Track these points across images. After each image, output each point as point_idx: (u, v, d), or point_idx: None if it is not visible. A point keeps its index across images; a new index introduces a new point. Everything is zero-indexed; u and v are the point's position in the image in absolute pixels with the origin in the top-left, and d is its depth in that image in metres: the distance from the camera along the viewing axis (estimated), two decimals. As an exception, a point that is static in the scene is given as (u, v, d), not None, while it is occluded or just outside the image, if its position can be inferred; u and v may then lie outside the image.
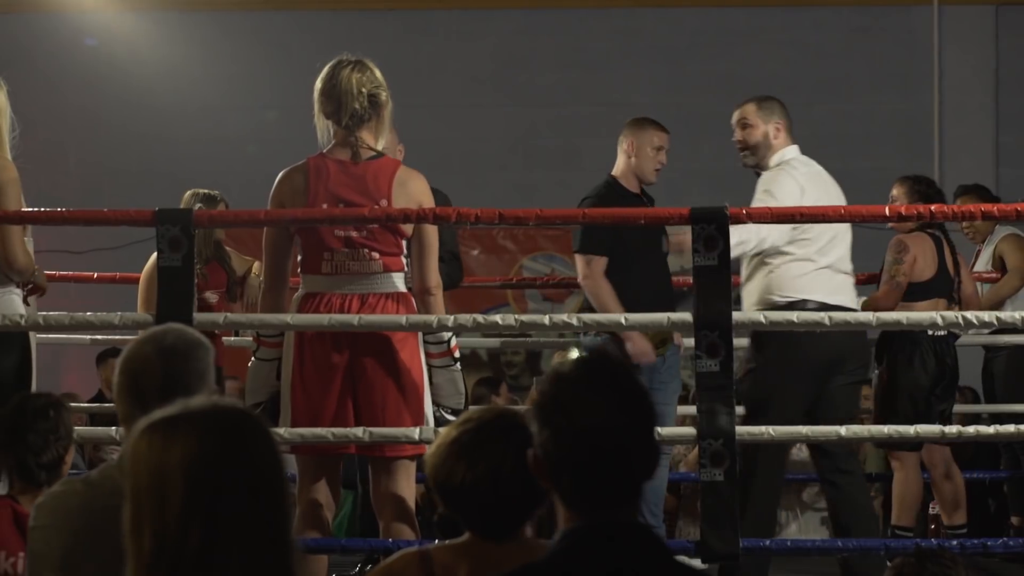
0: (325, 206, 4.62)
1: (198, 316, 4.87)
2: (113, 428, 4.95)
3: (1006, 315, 5.12)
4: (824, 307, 5.45)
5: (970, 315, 4.98)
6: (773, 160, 5.78)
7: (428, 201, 4.69)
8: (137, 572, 1.91)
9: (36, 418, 3.99)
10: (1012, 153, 10.91)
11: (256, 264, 6.66)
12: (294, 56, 10.24)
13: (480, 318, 4.89)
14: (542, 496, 2.48)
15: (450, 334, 4.73)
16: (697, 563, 4.75)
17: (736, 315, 4.77)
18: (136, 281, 6.77)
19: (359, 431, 4.55)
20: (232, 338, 6.95)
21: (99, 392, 9.01)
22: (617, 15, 11.11)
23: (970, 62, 10.98)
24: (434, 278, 4.69)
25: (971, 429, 5.05)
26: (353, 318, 4.56)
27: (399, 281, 4.68)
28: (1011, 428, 5.06)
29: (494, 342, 8.05)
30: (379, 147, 4.71)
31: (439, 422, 4.63)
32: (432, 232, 4.70)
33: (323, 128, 4.73)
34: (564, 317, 5.02)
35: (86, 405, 8.11)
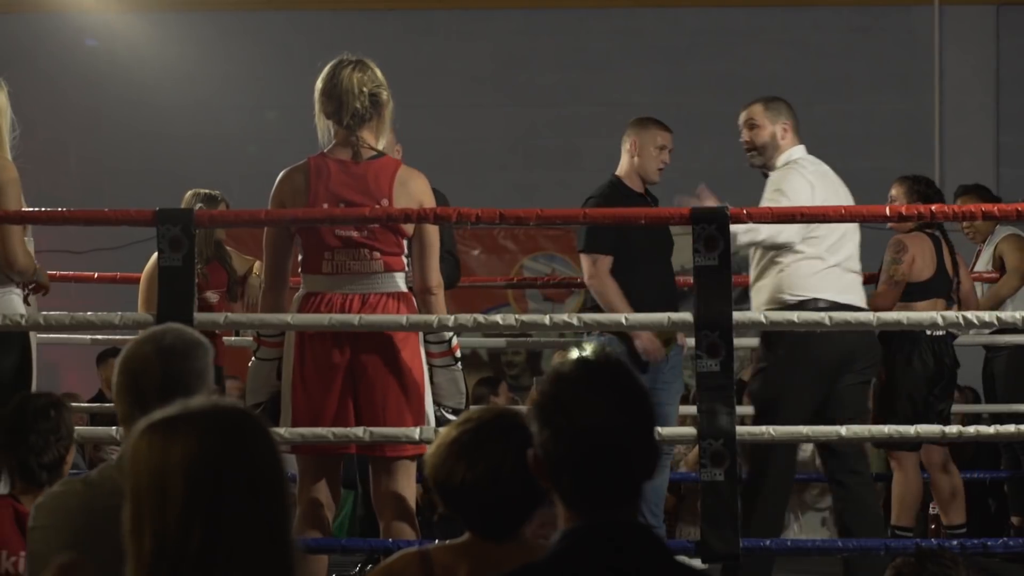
0: (326, 206, 4.62)
1: (199, 316, 4.87)
2: (113, 428, 4.95)
3: (1006, 315, 5.12)
4: (835, 306, 5.45)
5: (970, 315, 4.98)
6: (780, 160, 5.77)
7: (429, 201, 4.69)
8: (137, 572, 1.91)
9: (37, 418, 3.99)
10: (1012, 153, 10.90)
11: (257, 264, 6.66)
12: (294, 56, 10.24)
13: (480, 318, 4.89)
14: (542, 496, 2.48)
15: (451, 333, 4.74)
16: (697, 563, 4.75)
17: (736, 315, 4.77)
18: (136, 281, 6.77)
19: (360, 431, 4.55)
20: (232, 338, 6.95)
21: (99, 392, 9.01)
22: (617, 15, 11.11)
23: (971, 62, 10.98)
24: (435, 277, 4.69)
25: (971, 429, 5.05)
26: (354, 318, 4.56)
27: (400, 281, 4.68)
28: (1011, 428, 5.06)
29: (495, 342, 8.05)
30: (380, 147, 4.71)
31: (440, 422, 4.63)
32: (433, 232, 4.70)
33: (324, 128, 4.73)
34: (564, 317, 5.02)
35: (87, 405, 8.10)
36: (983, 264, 7.48)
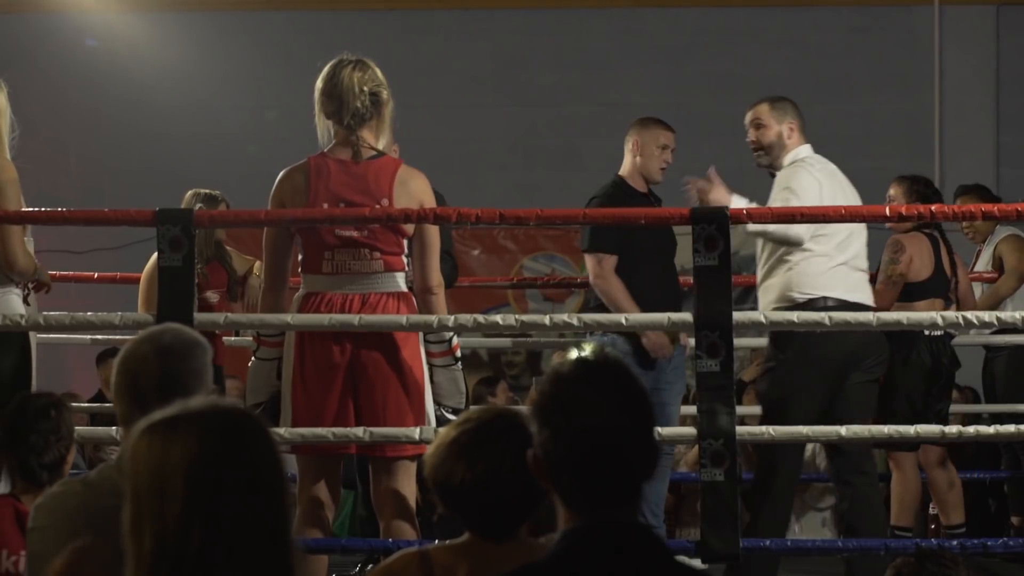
0: (326, 205, 4.62)
1: (199, 316, 4.87)
2: (113, 428, 4.95)
3: (1006, 315, 5.12)
4: (844, 304, 5.44)
5: (970, 315, 4.98)
6: (787, 159, 5.75)
7: (429, 200, 4.69)
8: (137, 572, 1.91)
9: (37, 418, 3.99)
10: (1012, 153, 10.90)
11: (257, 264, 6.66)
12: (294, 56, 10.24)
13: (480, 318, 4.89)
14: (542, 496, 2.48)
15: (451, 333, 4.73)
16: (697, 563, 4.75)
17: (736, 315, 4.77)
18: (136, 281, 6.77)
19: (360, 431, 4.55)
20: (232, 338, 6.95)
21: (99, 392, 9.01)
22: (617, 15, 11.11)
23: (971, 62, 10.97)
24: (435, 277, 4.69)
25: (971, 429, 5.05)
26: (354, 318, 4.56)
27: (400, 280, 4.68)
28: (1011, 428, 5.05)
29: (495, 342, 8.05)
30: (380, 146, 4.71)
31: (440, 421, 4.63)
32: (433, 231, 4.70)
33: (324, 128, 4.73)
34: (564, 317, 5.02)
35: (86, 405, 8.10)
36: (983, 264, 7.48)
